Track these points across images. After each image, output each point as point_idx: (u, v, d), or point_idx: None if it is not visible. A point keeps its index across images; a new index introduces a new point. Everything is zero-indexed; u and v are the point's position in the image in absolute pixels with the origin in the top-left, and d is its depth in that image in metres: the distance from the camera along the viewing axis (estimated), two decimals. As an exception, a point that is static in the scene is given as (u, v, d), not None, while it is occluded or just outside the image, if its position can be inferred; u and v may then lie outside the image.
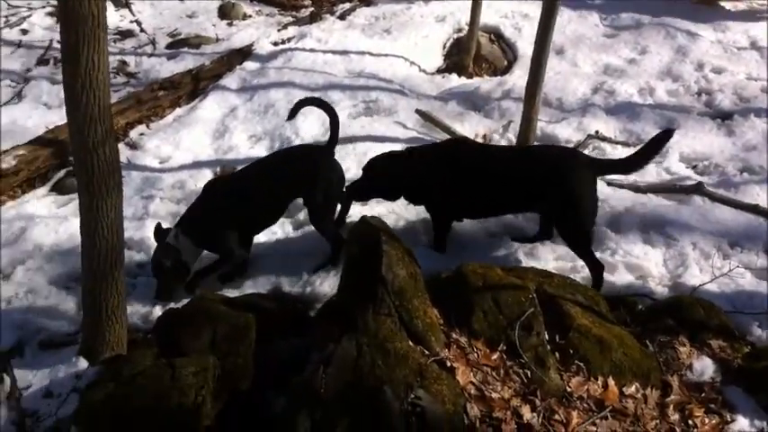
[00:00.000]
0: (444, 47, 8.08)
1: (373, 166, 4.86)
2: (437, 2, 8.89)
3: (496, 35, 8.28)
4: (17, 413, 3.84)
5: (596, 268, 4.38)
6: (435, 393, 3.08)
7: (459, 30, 8.22)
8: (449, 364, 3.30)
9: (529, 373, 3.39)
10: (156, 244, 4.67)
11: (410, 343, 3.31)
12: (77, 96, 3.50)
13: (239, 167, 5.31)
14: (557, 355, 3.57)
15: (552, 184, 4.38)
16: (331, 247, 4.75)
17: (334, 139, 4.84)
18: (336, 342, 3.39)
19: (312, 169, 4.73)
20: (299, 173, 4.70)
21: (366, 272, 3.53)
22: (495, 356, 3.43)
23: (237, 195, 4.65)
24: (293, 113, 4.98)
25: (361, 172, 4.98)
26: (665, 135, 4.39)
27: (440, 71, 7.67)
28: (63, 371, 4.03)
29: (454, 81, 7.33)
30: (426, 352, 3.32)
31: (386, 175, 4.79)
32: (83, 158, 3.63)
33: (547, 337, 3.60)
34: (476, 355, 3.41)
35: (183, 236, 4.62)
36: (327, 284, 4.51)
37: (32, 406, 3.90)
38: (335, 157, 4.89)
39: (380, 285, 3.41)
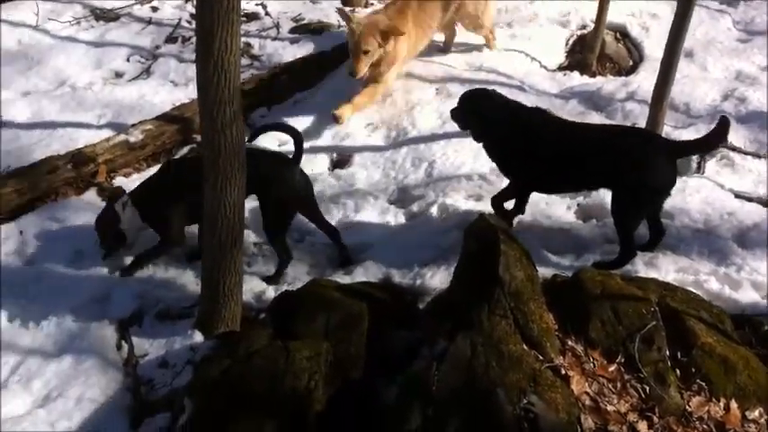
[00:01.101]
0: (567, 43, 7.87)
1: (466, 98, 4.82)
2: (562, -4, 8.70)
3: (622, 34, 8.01)
4: (133, 380, 4.00)
5: (628, 255, 4.37)
6: (549, 401, 3.03)
7: (584, 27, 7.98)
8: (563, 371, 3.23)
9: (647, 388, 3.29)
10: None
11: (524, 347, 3.26)
12: (209, 78, 3.60)
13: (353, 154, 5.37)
14: (677, 372, 3.44)
15: (625, 164, 4.33)
16: (277, 261, 4.74)
17: (299, 155, 4.72)
18: (447, 338, 3.38)
19: (270, 177, 4.60)
20: (257, 176, 4.44)
21: (482, 270, 3.51)
22: (612, 368, 3.34)
23: (190, 182, 4.39)
24: (253, 137, 4.89)
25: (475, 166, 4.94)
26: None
27: (561, 68, 7.47)
28: (178, 342, 4.19)
29: (576, 79, 7.14)
30: (541, 357, 3.27)
31: (474, 113, 4.74)
32: (210, 138, 3.73)
33: (668, 353, 3.47)
34: (592, 365, 3.34)
35: (131, 206, 4.69)
36: (438, 278, 4.48)
37: (147, 374, 4.08)
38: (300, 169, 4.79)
39: (497, 286, 3.37)
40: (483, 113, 4.67)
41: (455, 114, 4.85)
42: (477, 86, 5.08)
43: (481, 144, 4.84)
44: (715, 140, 4.52)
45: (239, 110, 3.75)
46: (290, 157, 4.75)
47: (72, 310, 4.42)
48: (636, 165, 4.33)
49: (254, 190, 4.52)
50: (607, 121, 6.18)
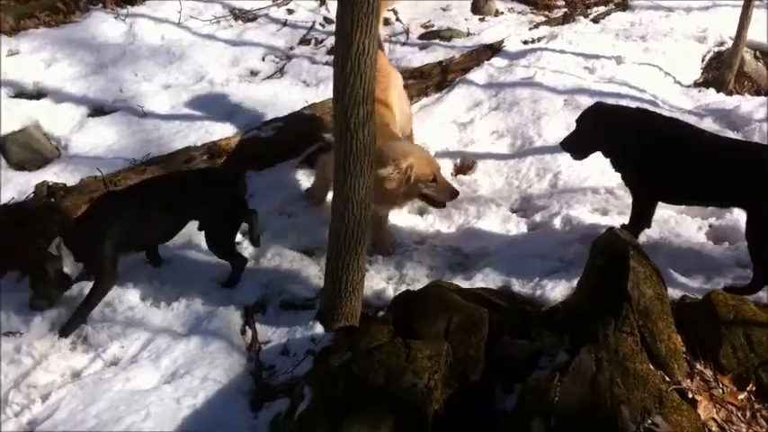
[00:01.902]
0: (703, 60, 7.64)
1: (584, 116, 4.72)
2: (699, 12, 8.43)
3: (762, 52, 7.72)
4: (255, 364, 4.15)
5: (762, 281, 4.18)
6: (674, 423, 2.95)
7: (721, 43, 7.74)
8: (690, 395, 3.15)
9: (779, 419, 3.17)
10: None
11: (651, 366, 3.20)
12: (346, 78, 3.69)
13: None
14: (813, 406, 3.31)
15: (751, 182, 4.14)
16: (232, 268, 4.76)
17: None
18: (568, 351, 3.35)
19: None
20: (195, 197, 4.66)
21: (609, 285, 3.46)
22: (742, 396, 3.24)
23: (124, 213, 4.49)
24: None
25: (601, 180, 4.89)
26: None
27: (696, 85, 7.27)
28: (300, 332, 4.32)
29: (711, 97, 6.92)
30: (667, 378, 3.19)
31: (594, 126, 4.63)
32: (343, 138, 3.83)
33: (803, 385, 3.34)
34: (721, 390, 3.24)
35: (65, 247, 4.37)
36: (558, 291, 4.44)
37: (269, 360, 4.22)
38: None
39: (625, 301, 3.32)
40: (614, 126, 4.57)
41: (572, 141, 4.73)
42: (599, 101, 4.97)
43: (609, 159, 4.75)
44: None
45: (372, 111, 3.84)
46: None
47: (201, 293, 4.61)
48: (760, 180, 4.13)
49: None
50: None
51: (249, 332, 4.41)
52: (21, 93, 6.79)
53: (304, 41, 7.98)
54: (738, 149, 4.47)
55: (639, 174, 4.60)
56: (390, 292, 4.64)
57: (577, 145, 4.73)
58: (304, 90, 6.97)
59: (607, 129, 4.59)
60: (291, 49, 7.84)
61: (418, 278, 4.76)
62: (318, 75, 7.19)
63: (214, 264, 4.80)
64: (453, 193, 4.85)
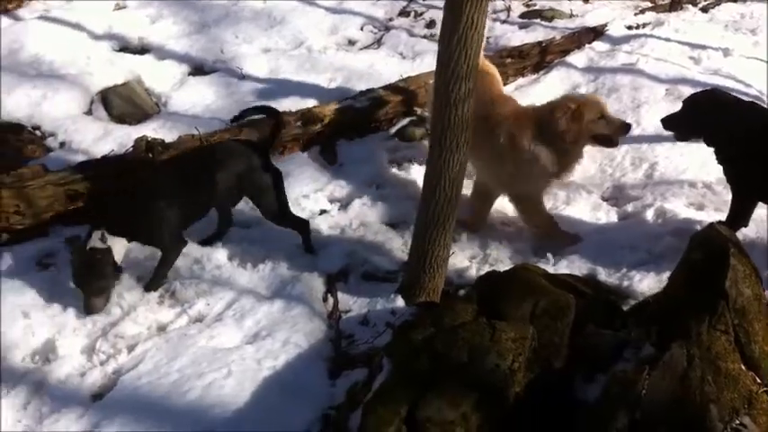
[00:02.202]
0: (816, 58, 7.31)
1: (695, 98, 4.58)
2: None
3: None
4: (336, 332, 4.19)
5: None
6: (762, 425, 2.88)
7: None
8: (781, 398, 3.06)
9: None
10: None
11: (742, 367, 3.11)
12: (452, 52, 3.67)
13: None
14: None
15: None
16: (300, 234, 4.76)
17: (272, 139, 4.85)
18: (656, 346, 3.27)
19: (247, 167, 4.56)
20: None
21: (704, 282, 3.35)
22: (835, 405, 3.11)
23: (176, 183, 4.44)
24: (237, 119, 4.89)
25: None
26: None
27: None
28: (380, 304, 4.33)
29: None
30: (758, 380, 3.09)
31: (704, 110, 4.47)
32: (442, 112, 3.81)
33: None
34: (814, 397, 3.12)
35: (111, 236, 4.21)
36: (646, 283, 4.37)
37: (349, 329, 4.24)
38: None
39: (721, 299, 3.22)
40: (725, 114, 4.40)
41: (677, 119, 4.60)
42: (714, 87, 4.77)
43: (712, 150, 4.58)
44: None
45: (474, 87, 3.80)
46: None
47: (287, 257, 4.67)
48: None
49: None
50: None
51: (331, 300, 4.44)
52: (125, 47, 7.02)
53: (403, 13, 7.97)
54: None
55: (743, 169, 4.42)
56: (473, 271, 4.63)
57: (681, 125, 4.59)
58: (400, 62, 6.97)
59: (717, 116, 4.41)
60: (390, 20, 7.84)
61: (502, 259, 4.73)
62: (415, 48, 7.17)
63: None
64: (625, 127, 4.78)
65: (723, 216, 4.66)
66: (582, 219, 5.07)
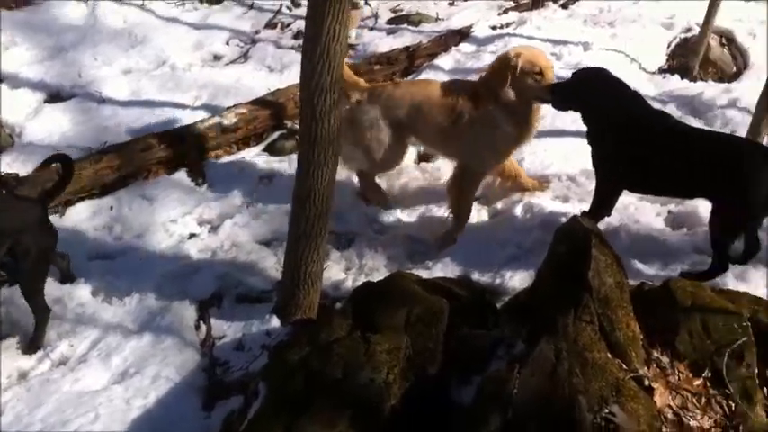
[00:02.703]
0: (669, 46, 7.62)
1: (585, 73, 4.62)
2: (668, -1, 8.44)
3: (728, 39, 7.70)
4: (209, 361, 4.06)
5: (721, 269, 4.22)
6: (630, 412, 2.91)
7: (688, 29, 7.72)
8: (647, 382, 3.12)
9: (733, 405, 3.15)
10: None
11: (609, 355, 3.16)
12: (315, 64, 3.61)
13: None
14: (765, 390, 3.29)
15: (730, 176, 4.07)
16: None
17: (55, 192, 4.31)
18: (527, 342, 3.31)
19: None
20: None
21: (570, 274, 3.41)
22: (697, 382, 3.21)
23: None
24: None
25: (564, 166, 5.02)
26: None
27: (661, 71, 7.25)
28: (255, 326, 4.23)
29: (675, 83, 6.90)
30: (625, 367, 3.16)
31: (590, 87, 4.51)
32: (308, 126, 3.76)
33: (757, 370, 3.33)
34: (677, 377, 3.22)
35: None
36: (518, 279, 4.42)
37: (223, 356, 4.13)
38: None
39: (585, 291, 3.28)
40: (607, 95, 4.46)
41: (560, 88, 4.65)
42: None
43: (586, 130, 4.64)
44: None
45: (339, 99, 3.77)
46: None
47: (155, 287, 4.50)
48: (742, 178, 4.08)
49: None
50: (705, 128, 5.95)
51: (203, 327, 4.31)
52: (-25, 79, 6.63)
53: (270, 25, 7.88)
54: (706, 141, 4.35)
55: (611, 153, 4.49)
56: (349, 282, 4.58)
57: (563, 95, 4.63)
58: (268, 76, 6.88)
59: (599, 95, 4.47)
60: (257, 33, 7.75)
61: (377, 268, 4.69)
62: (284, 60, 7.10)
63: (170, 256, 4.72)
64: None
65: (587, 206, 4.80)
66: (454, 220, 5.10)
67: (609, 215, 4.68)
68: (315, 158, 3.80)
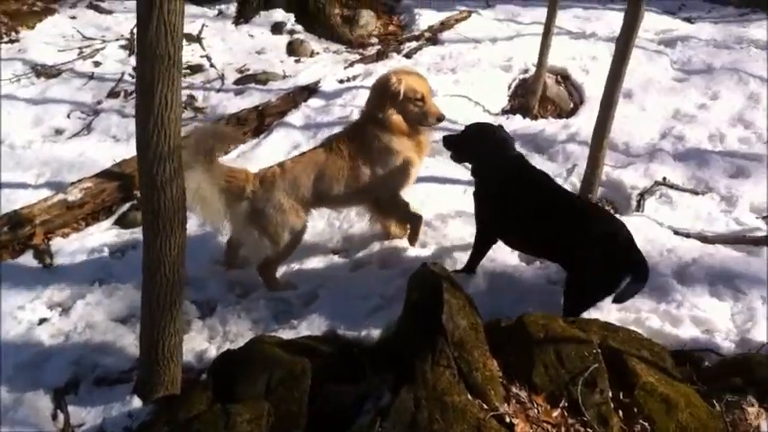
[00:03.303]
0: (509, 87, 8.00)
1: (478, 128, 4.86)
2: (504, 42, 8.84)
3: (563, 77, 8.18)
4: (68, 453, 3.86)
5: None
6: (493, 451, 2.99)
7: (526, 70, 8.12)
8: (508, 419, 3.21)
9: (591, 431, 3.27)
10: None
11: (469, 396, 3.24)
12: (149, 134, 3.55)
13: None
14: (620, 413, 3.44)
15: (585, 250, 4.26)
16: None
17: None
18: (392, 392, 3.33)
19: None
20: None
21: (426, 320, 3.47)
22: (555, 413, 3.33)
23: None
24: None
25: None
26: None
27: (504, 112, 7.59)
28: (116, 409, 4.05)
29: (518, 122, 7.24)
30: (485, 406, 3.24)
31: (481, 140, 4.76)
32: (150, 196, 3.67)
33: (611, 394, 3.47)
34: (536, 411, 3.32)
35: None
36: (383, 329, 4.44)
37: (84, 444, 3.93)
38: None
39: (440, 335, 3.34)
40: (495, 151, 4.72)
41: (453, 142, 4.87)
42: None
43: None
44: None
45: (180, 167, 3.71)
46: None
47: (6, 379, 4.25)
48: (596, 260, 4.22)
49: None
50: (548, 164, 6.25)
51: (61, 416, 4.08)
52: None
53: (113, 94, 7.71)
54: (583, 215, 4.53)
55: (486, 206, 4.74)
56: (213, 352, 4.47)
57: (456, 148, 4.86)
58: (114, 146, 6.72)
59: (482, 151, 4.72)
60: (99, 103, 7.56)
61: (242, 333, 4.60)
62: (129, 129, 6.93)
63: (20, 344, 4.48)
64: (439, 116, 5.08)
65: (445, 251, 4.92)
66: (316, 275, 5.10)
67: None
68: (161, 229, 3.71)
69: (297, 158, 5.08)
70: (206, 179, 4.60)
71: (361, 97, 7.29)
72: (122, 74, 7.99)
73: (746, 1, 11.04)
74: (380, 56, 8.71)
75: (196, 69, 8.38)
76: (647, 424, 3.40)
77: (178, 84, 3.54)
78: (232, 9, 9.82)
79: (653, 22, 9.46)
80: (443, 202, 5.66)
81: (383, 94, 4.93)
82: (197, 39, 9.01)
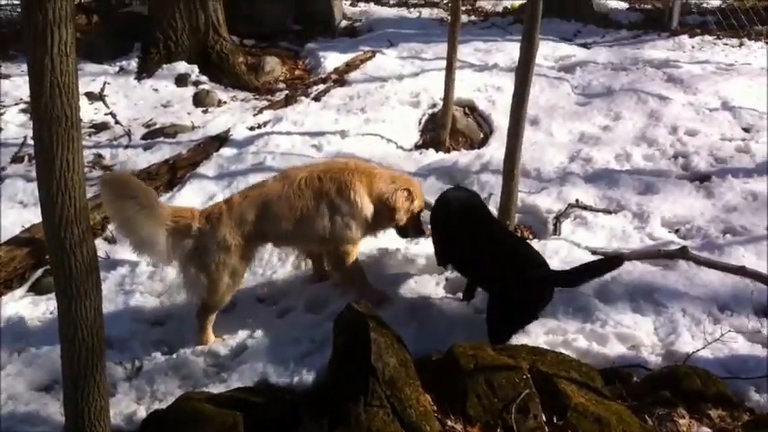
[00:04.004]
0: (420, 122, 8.13)
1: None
2: (410, 79, 9.00)
3: (471, 108, 8.36)
4: None
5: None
6: (432, 487, 2.97)
7: (434, 105, 8.27)
8: (445, 453, 3.20)
9: (527, 458, 3.30)
10: None
11: (403, 434, 3.22)
12: (53, 198, 3.45)
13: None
14: (555, 435, 3.48)
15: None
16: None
17: None
18: (327, 435, 3.30)
19: None
20: None
21: (355, 361, 3.46)
22: (491, 443, 3.33)
23: None
24: None
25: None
26: None
27: (417, 147, 7.70)
28: (44, 482, 3.89)
29: (432, 156, 7.34)
30: (422, 442, 3.22)
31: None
32: (59, 261, 3.55)
33: (544, 418, 3.51)
34: (472, 442, 3.32)
35: None
36: (315, 374, 4.40)
37: None
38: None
39: (370, 375, 3.33)
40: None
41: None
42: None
43: None
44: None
45: (88, 228, 3.60)
46: None
47: None
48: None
49: None
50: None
51: (-16, 498, 3.91)
52: None
53: (16, 159, 7.49)
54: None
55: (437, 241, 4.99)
56: (142, 412, 4.32)
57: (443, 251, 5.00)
58: (22, 212, 6.48)
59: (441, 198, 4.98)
60: (3, 169, 7.33)
61: (171, 391, 4.46)
62: (35, 193, 6.46)
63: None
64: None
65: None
66: (242, 326, 5.01)
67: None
68: (74, 293, 3.59)
69: (246, 192, 5.01)
70: (151, 224, 4.56)
71: (273, 142, 7.36)
72: (24, 137, 7.76)
73: (638, 24, 11.61)
74: (289, 100, 8.75)
75: (101, 128, 8.23)
76: (581, 444, 3.45)
77: (78, 144, 3.45)
78: (133, 64, 9.70)
79: (551, 50, 9.81)
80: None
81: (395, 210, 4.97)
82: (100, 97, 8.88)
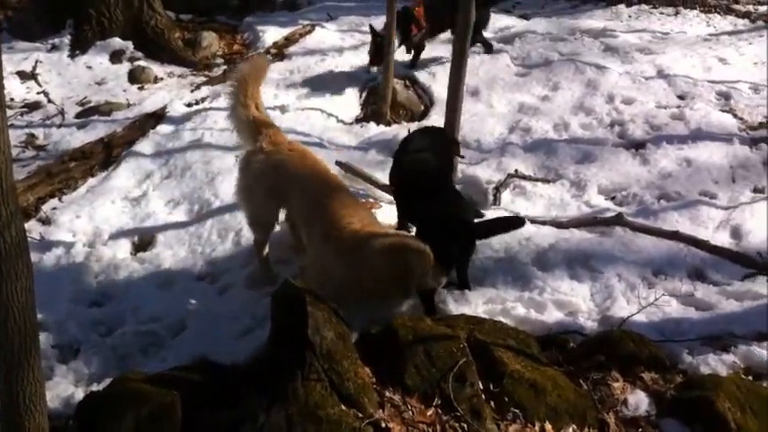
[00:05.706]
0: (361, 96, 8.10)
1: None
2: (351, 52, 8.94)
3: (411, 81, 8.33)
4: None
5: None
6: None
7: (374, 78, 8.23)
8: (383, 425, 3.23)
9: (465, 426, 3.33)
10: None
11: (343, 407, 3.23)
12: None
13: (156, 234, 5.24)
14: (492, 404, 3.52)
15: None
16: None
17: None
18: (267, 412, 3.28)
19: None
20: None
21: (292, 336, 3.45)
22: (430, 412, 3.36)
23: None
24: None
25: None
26: None
27: (358, 120, 7.66)
28: (-21, 470, 3.81)
29: (373, 130, 7.32)
30: (360, 415, 3.24)
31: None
32: (-14, 243, 3.47)
33: (481, 386, 3.55)
34: (411, 412, 3.34)
35: None
36: (256, 349, 4.37)
37: None
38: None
39: (308, 350, 3.32)
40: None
41: None
42: None
43: None
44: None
45: (17, 209, 3.51)
46: None
47: None
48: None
49: None
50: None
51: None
52: None
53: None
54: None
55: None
56: (81, 395, 4.25)
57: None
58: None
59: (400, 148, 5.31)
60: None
61: (109, 372, 4.40)
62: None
63: None
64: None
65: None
66: (182, 304, 4.96)
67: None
68: (4, 275, 3.50)
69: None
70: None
71: (212, 119, 7.26)
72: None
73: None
74: (227, 76, 8.57)
75: (34, 107, 8.00)
76: (518, 411, 3.51)
77: (3, 124, 3.36)
78: (66, 41, 9.39)
79: (491, 21, 9.80)
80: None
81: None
82: (32, 75, 8.63)
